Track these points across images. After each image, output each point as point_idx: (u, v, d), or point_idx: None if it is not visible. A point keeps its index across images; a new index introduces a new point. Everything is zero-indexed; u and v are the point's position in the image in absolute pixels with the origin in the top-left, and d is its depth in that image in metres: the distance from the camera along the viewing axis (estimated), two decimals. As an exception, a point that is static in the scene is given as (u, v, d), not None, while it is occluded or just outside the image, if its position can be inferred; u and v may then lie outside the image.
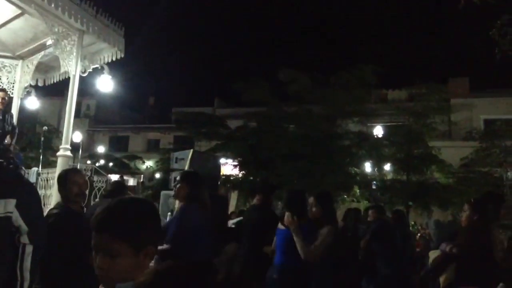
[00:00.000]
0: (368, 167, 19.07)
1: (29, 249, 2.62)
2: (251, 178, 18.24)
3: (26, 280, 2.61)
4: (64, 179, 3.35)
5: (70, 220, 3.14)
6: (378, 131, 20.43)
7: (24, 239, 2.64)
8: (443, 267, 3.95)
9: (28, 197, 2.81)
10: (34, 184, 4.92)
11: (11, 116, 7.04)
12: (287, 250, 3.97)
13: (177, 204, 6.32)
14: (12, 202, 2.64)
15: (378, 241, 5.71)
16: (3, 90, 7.12)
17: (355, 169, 18.31)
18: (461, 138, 23.78)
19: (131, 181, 32.50)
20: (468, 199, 4.52)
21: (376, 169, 19.29)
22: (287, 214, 4.01)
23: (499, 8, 7.37)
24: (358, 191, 18.68)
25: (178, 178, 3.99)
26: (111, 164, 29.09)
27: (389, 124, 21.65)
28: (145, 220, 1.40)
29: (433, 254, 4.18)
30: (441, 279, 4.00)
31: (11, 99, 7.45)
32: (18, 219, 2.63)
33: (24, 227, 2.63)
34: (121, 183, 3.71)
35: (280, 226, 4.16)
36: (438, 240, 4.26)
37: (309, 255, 3.80)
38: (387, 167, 19.19)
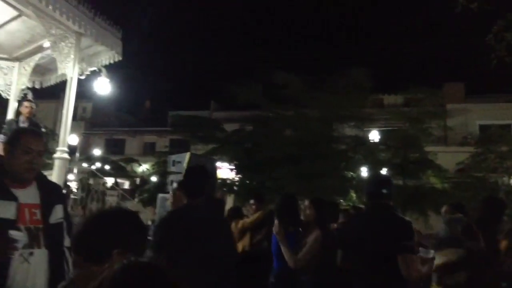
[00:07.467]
0: (364, 171, 19.09)
1: (67, 253, 2.49)
2: (248, 181, 18.20)
3: None
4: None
5: None
6: (374, 135, 20.46)
7: (67, 243, 2.51)
8: None
9: (66, 203, 2.75)
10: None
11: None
12: (282, 256, 4.04)
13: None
14: (61, 207, 2.52)
15: None
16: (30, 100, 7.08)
17: (351, 173, 18.31)
18: (456, 143, 23.91)
19: (127, 184, 32.39)
20: (447, 203, 4.55)
21: (372, 174, 19.29)
22: (276, 223, 4.10)
23: (495, 14, 7.41)
24: (354, 195, 18.67)
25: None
26: (107, 167, 28.99)
27: (385, 128, 21.69)
28: (99, 231, 1.52)
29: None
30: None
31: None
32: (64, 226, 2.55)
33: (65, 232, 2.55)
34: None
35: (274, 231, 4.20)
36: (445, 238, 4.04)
37: (296, 263, 3.92)
38: (383, 171, 19.20)
